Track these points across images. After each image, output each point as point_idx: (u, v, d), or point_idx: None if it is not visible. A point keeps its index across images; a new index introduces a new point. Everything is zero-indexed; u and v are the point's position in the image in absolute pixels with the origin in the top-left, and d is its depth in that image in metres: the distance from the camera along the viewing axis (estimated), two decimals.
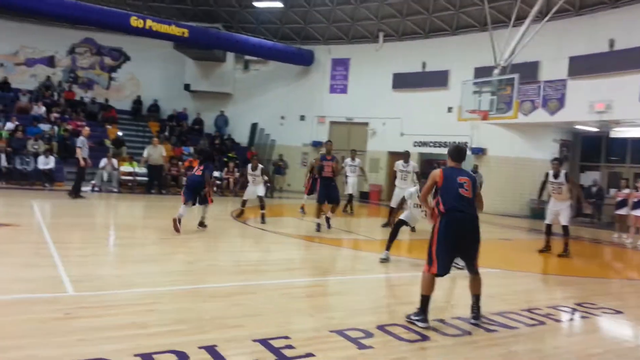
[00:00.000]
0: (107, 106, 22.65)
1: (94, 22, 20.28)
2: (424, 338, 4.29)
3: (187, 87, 24.24)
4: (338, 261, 8.06)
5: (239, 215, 11.62)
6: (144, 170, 17.87)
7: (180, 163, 18.76)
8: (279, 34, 23.62)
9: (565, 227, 9.37)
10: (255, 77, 24.71)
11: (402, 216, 7.97)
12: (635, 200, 12.53)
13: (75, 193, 13.50)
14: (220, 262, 7.23)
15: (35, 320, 4.03)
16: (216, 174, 19.28)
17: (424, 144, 20.45)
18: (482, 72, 16.90)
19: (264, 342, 3.86)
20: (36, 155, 16.64)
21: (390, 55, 21.58)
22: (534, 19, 14.75)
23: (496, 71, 14.60)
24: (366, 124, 22.20)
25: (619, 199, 13.24)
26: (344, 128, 22.88)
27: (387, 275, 7.04)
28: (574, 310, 5.63)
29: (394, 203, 11.39)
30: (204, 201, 9.54)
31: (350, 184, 14.56)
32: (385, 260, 7.64)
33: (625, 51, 15.15)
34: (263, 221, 10.88)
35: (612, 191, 14.77)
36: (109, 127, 20.84)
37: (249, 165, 11.56)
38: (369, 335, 4.23)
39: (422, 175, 11.48)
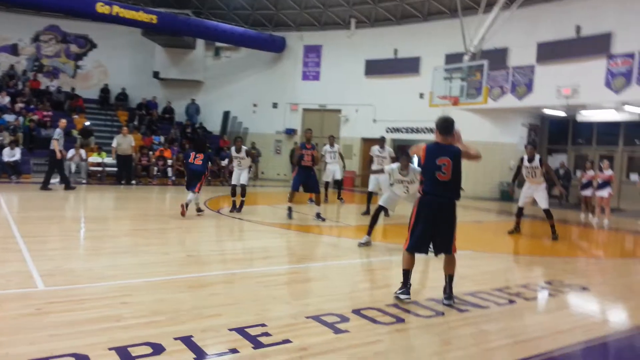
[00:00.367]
0: (74, 95, 22.12)
1: (59, 8, 19.73)
2: (399, 320, 4.36)
3: (156, 74, 23.82)
4: (314, 248, 8.10)
5: (233, 209, 10.96)
6: (112, 160, 17.58)
7: (150, 153, 18.47)
8: (250, 20, 23.36)
9: (547, 211, 9.55)
10: (227, 64, 24.42)
11: (380, 201, 8.04)
12: (600, 181, 12.90)
13: (44, 184, 13.41)
14: (196, 252, 7.19)
15: (6, 317, 3.95)
16: None
17: (397, 130, 20.61)
18: (452, 58, 17.07)
19: (241, 331, 3.87)
20: (1, 147, 16.18)
21: (362, 41, 21.59)
22: (503, 5, 14.92)
23: (466, 57, 14.75)
24: (339, 110, 22.23)
25: (585, 180, 13.60)
26: (316, 115, 22.85)
27: (363, 261, 7.11)
28: (543, 288, 5.81)
29: (371, 188, 11.46)
30: (197, 188, 10.05)
31: (331, 171, 14.40)
32: (364, 245, 7.72)
33: (591, 37, 15.49)
34: (239, 209, 10.75)
35: (579, 173, 15.14)
36: (76, 116, 20.39)
37: (233, 148, 11.17)
38: (344, 319, 4.28)
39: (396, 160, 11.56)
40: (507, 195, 18.20)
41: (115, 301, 4.48)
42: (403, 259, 4.99)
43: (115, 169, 17.20)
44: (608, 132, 18.46)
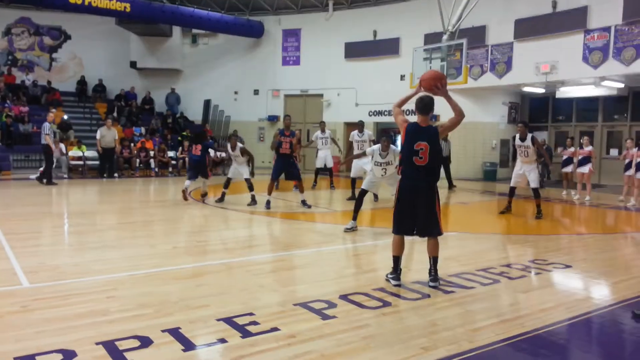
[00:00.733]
0: (50, 89, 21.68)
1: None
2: (385, 304, 4.41)
3: (133, 64, 23.40)
4: (300, 235, 8.11)
5: (221, 199, 10.90)
6: (93, 154, 17.36)
7: (132, 145, 18.25)
8: (226, 5, 23.01)
9: (535, 190, 9.66)
10: (205, 51, 24.10)
11: (363, 185, 8.09)
12: (580, 157, 13.07)
13: (48, 179, 13.68)
14: (182, 243, 7.15)
15: None
16: (171, 154, 18.97)
17: (379, 113, 20.60)
18: (432, 38, 17.02)
19: (229, 321, 3.88)
20: None
21: (341, 24, 21.42)
22: None
23: (445, 37, 14.73)
24: (321, 95, 22.12)
25: (565, 157, 13.76)
26: (299, 100, 22.73)
27: (349, 246, 7.15)
28: (527, 267, 5.89)
29: (353, 174, 11.43)
30: (205, 175, 11.11)
31: (322, 158, 14.36)
32: (350, 230, 7.76)
33: (567, 12, 15.56)
34: (253, 202, 10.44)
35: (559, 149, 15.31)
36: (53, 110, 19.97)
37: (228, 144, 10.99)
38: (332, 305, 4.31)
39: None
40: (490, 175, 18.41)
41: (102, 295, 4.46)
42: (392, 243, 5.06)
43: (96, 162, 17.00)
44: (587, 108, 18.66)
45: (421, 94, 5.17)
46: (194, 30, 23.36)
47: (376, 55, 20.54)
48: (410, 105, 5.61)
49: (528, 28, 16.38)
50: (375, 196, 11.27)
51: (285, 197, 11.74)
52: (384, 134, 8.63)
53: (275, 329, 3.74)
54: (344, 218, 9.00)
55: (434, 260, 5.00)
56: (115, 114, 20.59)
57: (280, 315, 4.05)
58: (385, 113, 20.38)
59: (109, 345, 3.38)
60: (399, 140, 5.79)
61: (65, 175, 15.99)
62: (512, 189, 10.08)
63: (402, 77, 18.94)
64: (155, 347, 3.39)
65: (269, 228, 8.70)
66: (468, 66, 14.98)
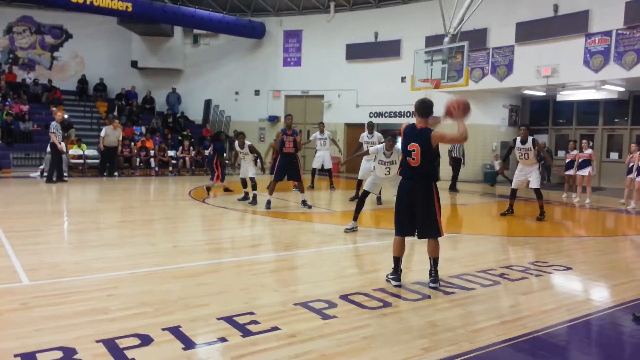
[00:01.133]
0: (51, 87, 21.69)
1: None
2: (386, 304, 4.40)
3: (134, 64, 23.44)
4: (301, 235, 8.11)
5: (244, 198, 11.00)
6: (94, 152, 17.38)
7: (132, 144, 18.25)
8: (227, 6, 23.04)
9: (537, 190, 9.66)
10: (206, 51, 24.12)
11: (365, 186, 8.10)
12: (580, 160, 13.08)
13: (59, 177, 14.03)
14: (183, 242, 7.14)
15: None
16: (171, 153, 18.97)
17: (380, 114, 20.59)
18: (433, 40, 17.05)
19: (229, 320, 3.88)
20: None
21: (342, 26, 21.45)
22: None
23: (446, 39, 14.74)
24: (322, 96, 22.13)
25: (568, 160, 13.75)
26: (299, 101, 22.74)
27: (350, 246, 7.14)
28: (527, 269, 5.89)
29: (361, 175, 11.33)
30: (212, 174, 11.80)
31: (320, 158, 14.39)
32: (350, 230, 7.76)
33: (568, 16, 15.57)
34: (254, 202, 10.51)
35: (560, 153, 15.31)
36: (54, 109, 20.01)
37: (236, 143, 11.00)
38: (332, 305, 4.31)
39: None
40: (490, 177, 18.40)
41: (102, 294, 4.46)
42: (393, 244, 5.08)
43: (97, 161, 17.02)
44: (588, 111, 18.66)
45: (423, 96, 5.17)
46: (195, 31, 23.40)
47: (377, 57, 20.56)
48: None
49: (529, 31, 16.39)
50: (379, 199, 11.23)
51: (285, 197, 11.74)
52: (388, 134, 8.66)
53: (275, 329, 3.74)
54: (344, 218, 9.00)
55: (434, 261, 5.00)
56: (115, 113, 20.60)
57: (280, 315, 4.04)
58: (386, 114, 20.39)
59: (110, 343, 3.37)
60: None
61: (66, 174, 15.97)
62: (514, 191, 10.10)
63: (403, 79, 18.95)
64: (155, 346, 3.38)
65: (270, 228, 8.69)
66: (469, 69, 14.98)
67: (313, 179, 14.57)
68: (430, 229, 4.93)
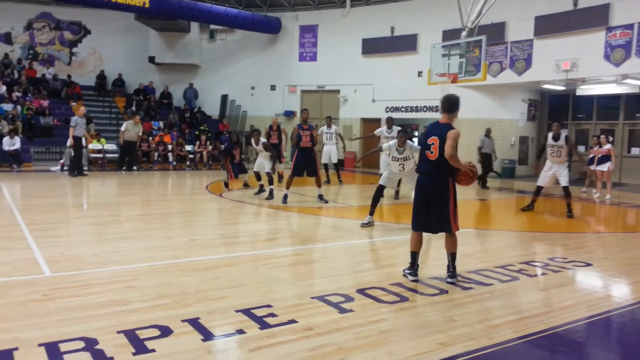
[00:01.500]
0: (71, 83, 21.97)
1: None
2: (403, 299, 4.40)
3: (151, 59, 23.62)
4: (317, 229, 8.13)
5: (260, 191, 11.05)
6: (112, 147, 17.59)
7: (150, 138, 18.43)
8: (243, 2, 23.07)
9: (566, 188, 9.43)
10: (222, 47, 24.21)
11: (380, 180, 8.08)
12: (600, 156, 12.89)
13: (78, 171, 14.22)
14: (200, 235, 7.21)
15: (14, 303, 3.99)
16: (188, 148, 19.11)
17: (396, 109, 20.49)
18: (450, 34, 16.89)
19: (247, 312, 3.91)
20: (0, 136, 16.14)
21: (358, 20, 21.35)
22: None
23: (464, 33, 14.59)
24: (337, 91, 22.08)
25: (591, 155, 13.55)
26: (315, 96, 22.72)
27: (366, 241, 7.14)
28: (546, 265, 5.83)
29: (383, 170, 11.27)
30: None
31: (326, 152, 14.44)
32: (366, 225, 7.75)
33: (589, 9, 15.31)
34: (270, 196, 10.50)
35: (580, 148, 15.08)
36: (73, 104, 20.28)
37: (252, 140, 11.09)
38: (349, 299, 4.31)
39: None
40: (508, 172, 18.25)
41: (121, 285, 4.52)
42: (410, 239, 5.09)
43: (115, 155, 17.22)
44: (608, 105, 18.37)
45: (443, 92, 5.16)
46: (212, 26, 23.49)
47: (393, 52, 20.44)
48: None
49: (548, 25, 16.16)
50: (397, 193, 11.19)
51: (301, 192, 11.76)
52: (400, 130, 8.65)
53: (293, 321, 3.76)
54: (360, 213, 8.99)
55: (452, 256, 4.97)
56: (134, 108, 20.81)
57: (297, 308, 4.07)
58: (402, 109, 20.29)
59: (130, 334, 3.42)
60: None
61: (85, 168, 16.18)
62: (539, 188, 9.87)
63: (420, 74, 18.81)
64: (175, 337, 3.43)
65: (286, 222, 8.72)
66: (487, 63, 14.84)
67: (328, 174, 14.57)
68: (441, 224, 4.91)
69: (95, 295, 4.24)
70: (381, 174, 11.28)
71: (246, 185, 12.18)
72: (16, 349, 3.15)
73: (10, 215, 7.94)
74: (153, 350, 3.20)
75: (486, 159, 14.80)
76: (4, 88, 19.46)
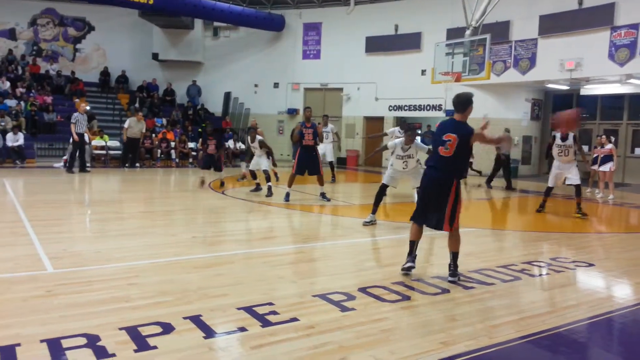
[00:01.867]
0: (74, 79, 22.00)
1: None
2: (404, 298, 4.40)
3: (155, 56, 23.64)
4: (319, 227, 8.14)
5: (256, 189, 11.13)
6: (116, 143, 17.61)
7: (153, 135, 18.45)
8: None
9: (578, 187, 9.37)
10: (226, 44, 24.21)
11: (383, 179, 8.08)
12: (602, 156, 12.88)
13: (81, 167, 14.37)
14: (202, 233, 7.21)
15: (16, 299, 4.00)
16: (191, 145, 19.14)
17: (399, 107, 20.50)
18: (454, 33, 16.88)
19: (249, 310, 3.91)
20: (4, 132, 16.18)
21: (362, 18, 21.33)
22: None
23: (468, 32, 14.59)
24: (341, 89, 22.08)
25: (595, 155, 13.52)
26: (318, 94, 22.72)
27: (368, 239, 7.14)
28: (548, 265, 5.82)
29: None
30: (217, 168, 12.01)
31: (321, 151, 14.35)
32: (369, 224, 7.75)
33: (594, 8, 15.27)
34: (269, 193, 10.58)
35: (584, 148, 15.03)
36: (77, 100, 20.31)
37: (248, 137, 11.23)
38: (351, 298, 4.32)
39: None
40: (511, 171, 18.19)
41: (124, 282, 4.53)
42: (410, 229, 5.14)
43: (119, 152, 17.25)
44: (612, 105, 18.33)
45: (450, 91, 5.19)
46: (216, 23, 23.49)
47: (397, 50, 20.43)
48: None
49: (553, 24, 16.12)
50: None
51: (303, 190, 11.76)
52: (409, 128, 8.79)
53: (294, 319, 3.76)
54: (362, 211, 8.98)
55: (453, 255, 4.97)
56: (137, 105, 20.83)
57: (299, 306, 4.07)
58: (406, 108, 20.27)
59: (132, 331, 3.43)
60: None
61: (88, 164, 16.22)
62: (550, 189, 9.81)
63: (423, 72, 18.80)
64: (177, 334, 3.43)
65: (288, 220, 8.73)
66: (491, 62, 14.83)
67: (333, 172, 14.57)
68: (440, 221, 4.90)
69: (97, 292, 4.25)
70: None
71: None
72: (18, 344, 3.16)
73: (13, 211, 7.96)
74: (155, 347, 3.21)
75: (504, 159, 14.36)
76: (8, 84, 19.49)
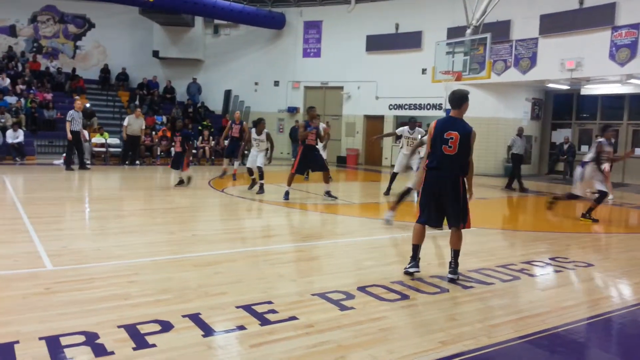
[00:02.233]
0: (74, 76, 21.99)
1: None
2: (404, 297, 4.40)
3: (155, 54, 23.63)
4: (318, 226, 8.13)
5: (252, 186, 11.07)
6: (115, 141, 17.60)
7: (153, 133, 18.44)
8: None
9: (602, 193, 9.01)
10: (226, 42, 24.19)
11: (409, 183, 7.99)
12: None
13: (81, 165, 14.33)
14: (201, 231, 7.22)
15: (16, 297, 4.00)
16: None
17: (400, 106, 20.49)
18: (455, 32, 16.86)
19: (248, 308, 3.91)
20: (4, 129, 16.17)
21: (363, 17, 21.32)
22: None
23: (469, 31, 14.56)
24: (341, 87, 22.08)
25: None
26: (318, 92, 22.72)
27: (367, 238, 7.14)
28: (548, 264, 5.82)
29: (397, 169, 11.24)
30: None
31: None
32: (387, 222, 7.71)
33: (595, 8, 15.26)
34: (261, 191, 10.58)
35: (584, 148, 15.05)
36: (77, 97, 20.29)
37: (254, 130, 10.98)
38: (350, 296, 4.31)
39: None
40: (511, 171, 18.19)
41: (123, 280, 4.53)
42: (413, 232, 5.09)
43: (118, 149, 17.25)
44: (613, 105, 18.32)
45: (447, 89, 5.17)
46: (216, 21, 23.49)
47: (398, 49, 20.42)
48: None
49: (554, 24, 16.11)
50: (388, 190, 11.07)
51: (304, 188, 11.76)
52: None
53: (293, 318, 3.76)
54: (361, 210, 9.00)
55: (455, 253, 4.97)
56: (137, 102, 20.81)
57: (298, 305, 4.07)
58: (406, 107, 20.26)
59: (131, 329, 3.43)
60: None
61: (88, 162, 16.22)
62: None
63: (424, 71, 18.80)
64: (175, 332, 3.43)
65: (287, 218, 8.72)
66: (491, 61, 14.81)
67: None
68: (457, 219, 4.91)
69: (96, 290, 4.24)
70: (395, 172, 11.27)
71: (180, 182, 11.54)
72: (17, 342, 3.16)
73: (13, 208, 7.96)
74: (154, 345, 3.21)
75: (516, 159, 14.11)
76: (8, 81, 19.48)
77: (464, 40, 14.31)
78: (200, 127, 20.18)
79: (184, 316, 3.69)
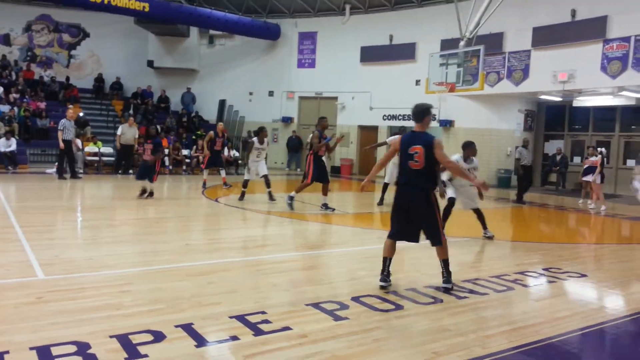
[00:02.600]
0: (68, 85, 21.94)
1: None
2: (398, 307, 4.39)
3: (150, 63, 23.64)
4: (313, 236, 8.12)
5: (242, 197, 10.93)
6: (109, 150, 17.55)
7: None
8: (243, 7, 23.17)
9: None
10: (221, 52, 24.26)
11: (386, 179, 7.96)
12: (586, 166, 13.10)
13: (72, 174, 14.24)
14: (194, 241, 7.19)
15: (7, 306, 3.96)
16: (185, 152, 19.11)
17: (393, 117, 20.57)
18: (448, 44, 16.97)
19: (241, 318, 3.89)
20: None
21: (357, 28, 21.46)
22: None
23: (462, 43, 14.66)
24: (335, 98, 22.15)
25: (586, 166, 13.59)
26: (313, 103, 22.78)
27: (361, 248, 7.13)
28: (541, 275, 5.84)
29: (387, 179, 11.25)
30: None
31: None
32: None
33: (586, 21, 15.43)
34: (272, 198, 10.58)
35: (576, 159, 15.16)
36: (70, 106, 20.23)
37: (256, 139, 10.86)
38: (344, 307, 4.30)
39: None
40: (504, 182, 18.29)
41: (115, 290, 4.50)
42: (384, 245, 5.06)
43: (112, 158, 17.19)
44: (604, 117, 18.47)
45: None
46: (211, 31, 23.56)
47: (392, 60, 20.54)
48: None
49: (546, 36, 16.27)
50: (382, 200, 11.07)
51: (298, 199, 11.74)
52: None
53: (287, 328, 3.74)
54: (355, 220, 8.99)
55: (444, 262, 4.98)
56: (131, 112, 20.77)
57: (292, 315, 4.05)
58: (400, 118, 20.34)
59: (123, 339, 3.40)
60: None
61: (81, 171, 16.14)
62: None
63: (418, 82, 18.88)
64: (168, 342, 3.41)
65: (282, 228, 8.71)
66: (484, 73, 14.90)
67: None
68: (432, 236, 4.92)
69: (88, 299, 4.21)
70: (386, 183, 11.31)
71: (143, 192, 10.95)
72: (7, 352, 3.13)
73: (4, 217, 7.89)
74: (146, 356, 3.18)
75: (527, 171, 13.98)
76: (1, 89, 19.40)
77: (457, 52, 14.41)
78: (194, 137, 20.16)
79: (176, 326, 3.66)
